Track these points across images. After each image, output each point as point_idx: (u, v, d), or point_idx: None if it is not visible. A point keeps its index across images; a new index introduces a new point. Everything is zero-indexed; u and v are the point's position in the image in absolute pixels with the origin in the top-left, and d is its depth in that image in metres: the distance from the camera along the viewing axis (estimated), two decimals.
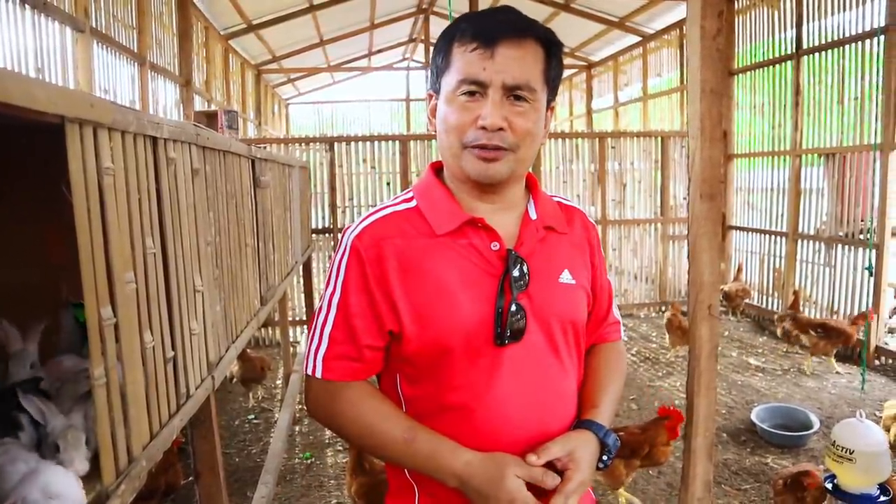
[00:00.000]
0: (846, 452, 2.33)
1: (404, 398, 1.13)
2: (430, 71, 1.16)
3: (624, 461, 3.01)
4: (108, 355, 1.10)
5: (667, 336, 5.77)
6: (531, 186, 1.20)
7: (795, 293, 5.66)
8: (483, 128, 1.03)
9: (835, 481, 2.44)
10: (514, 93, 1.04)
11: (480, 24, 1.05)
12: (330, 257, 7.13)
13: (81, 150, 1.04)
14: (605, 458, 1.11)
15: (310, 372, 1.11)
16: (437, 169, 1.19)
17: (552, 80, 1.10)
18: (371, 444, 1.11)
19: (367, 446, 1.13)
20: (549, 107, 1.13)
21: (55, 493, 0.99)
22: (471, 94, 1.04)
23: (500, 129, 1.03)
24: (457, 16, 1.19)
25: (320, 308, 1.12)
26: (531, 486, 1.01)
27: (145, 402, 1.32)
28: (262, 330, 6.59)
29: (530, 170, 1.18)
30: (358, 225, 1.11)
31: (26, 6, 3.48)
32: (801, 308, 5.55)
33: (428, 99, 1.17)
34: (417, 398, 1.11)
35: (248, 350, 4.68)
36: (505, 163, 1.06)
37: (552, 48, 1.08)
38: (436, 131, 1.13)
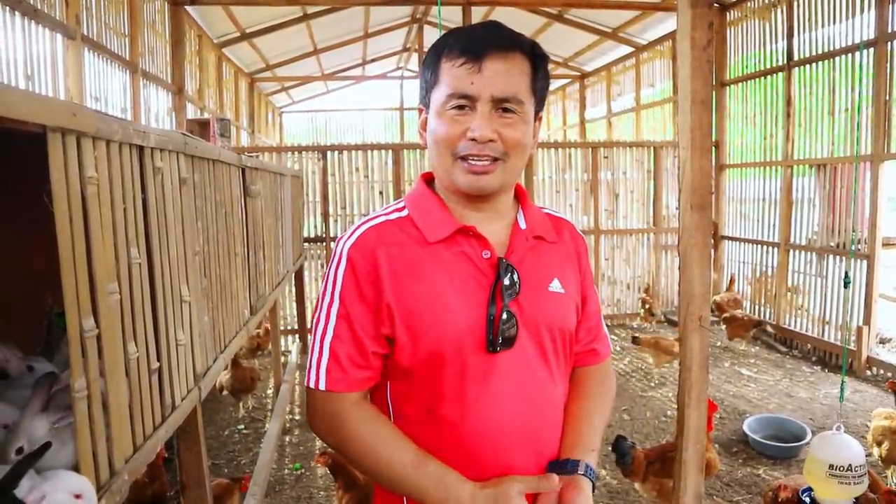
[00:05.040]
0: (849, 470, 2.28)
1: (393, 408, 1.12)
2: (419, 86, 1.17)
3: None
4: (89, 367, 1.09)
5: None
6: (520, 197, 1.21)
7: (716, 302, 6.24)
8: (473, 139, 1.04)
9: (812, 494, 2.42)
10: (502, 105, 1.05)
11: (467, 39, 1.06)
12: (322, 266, 7.13)
13: (64, 159, 1.02)
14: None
15: (312, 385, 1.09)
16: (429, 180, 1.20)
17: (539, 92, 1.12)
18: (372, 464, 1.07)
19: (367, 466, 1.09)
20: (537, 117, 1.14)
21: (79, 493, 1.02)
22: (460, 107, 1.06)
23: (491, 140, 1.04)
24: (447, 26, 1.20)
25: (318, 320, 1.11)
26: None
27: (129, 415, 1.30)
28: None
29: (523, 179, 1.19)
30: (352, 234, 1.12)
31: (16, 13, 3.46)
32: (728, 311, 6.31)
33: (418, 113, 1.18)
34: (408, 408, 1.11)
35: (242, 361, 4.64)
36: (496, 174, 1.07)
37: (538, 60, 1.10)
38: (426, 144, 1.14)
